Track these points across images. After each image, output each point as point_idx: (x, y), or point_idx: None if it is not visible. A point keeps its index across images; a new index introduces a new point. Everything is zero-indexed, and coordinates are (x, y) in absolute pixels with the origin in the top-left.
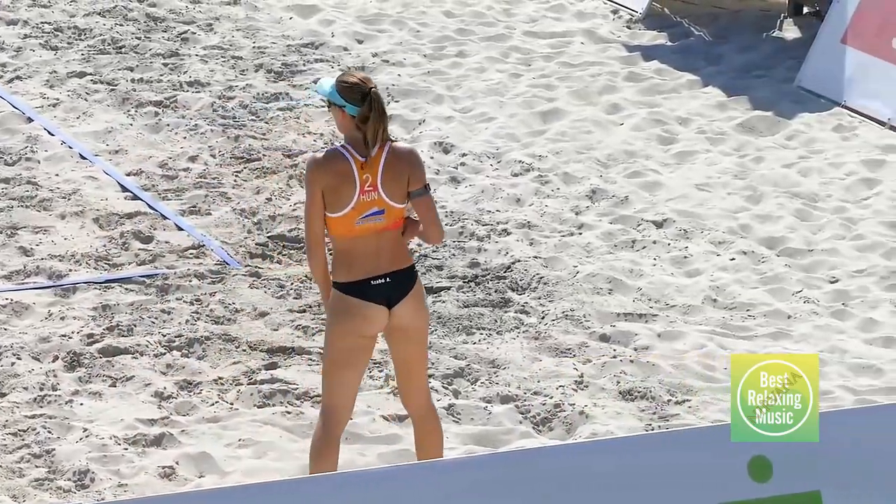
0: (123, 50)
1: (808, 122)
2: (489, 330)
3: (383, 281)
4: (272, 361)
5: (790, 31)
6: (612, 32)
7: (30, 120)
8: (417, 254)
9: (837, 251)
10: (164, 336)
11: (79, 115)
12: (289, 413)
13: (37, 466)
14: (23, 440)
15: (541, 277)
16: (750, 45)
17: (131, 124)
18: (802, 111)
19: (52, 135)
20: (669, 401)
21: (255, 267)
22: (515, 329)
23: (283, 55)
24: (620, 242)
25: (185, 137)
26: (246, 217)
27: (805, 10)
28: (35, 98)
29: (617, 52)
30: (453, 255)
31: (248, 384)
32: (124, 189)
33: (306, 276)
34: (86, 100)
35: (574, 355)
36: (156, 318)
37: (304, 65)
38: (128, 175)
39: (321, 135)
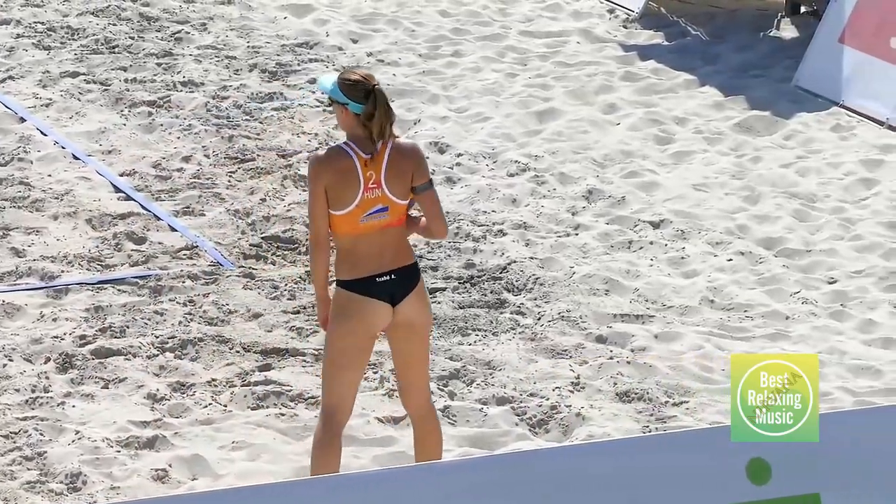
0: (117, 50)
1: (806, 122)
2: (485, 331)
3: (388, 278)
4: (266, 363)
5: (787, 31)
6: (609, 32)
7: (22, 120)
8: None
9: (836, 252)
10: (157, 337)
11: (72, 116)
12: (283, 415)
13: (28, 469)
14: (14, 442)
15: (537, 278)
16: (747, 44)
17: (124, 124)
18: (800, 111)
19: (45, 135)
20: (667, 402)
21: (249, 268)
22: (511, 330)
23: (278, 55)
24: (617, 243)
25: (178, 137)
26: (240, 218)
27: (802, 9)
28: (28, 98)
29: (613, 52)
30: (449, 255)
31: (241, 386)
32: (117, 190)
33: (300, 278)
34: (79, 100)
35: (570, 357)
36: (149, 320)
37: (298, 64)
38: (121, 175)
39: (315, 135)
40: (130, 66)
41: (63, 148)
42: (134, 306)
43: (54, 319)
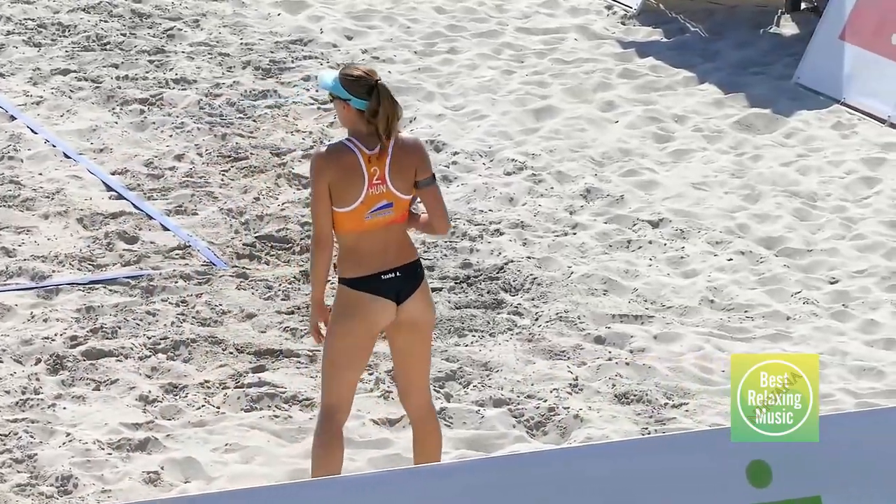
0: (108, 46)
1: (807, 120)
2: (482, 332)
3: (393, 275)
4: (259, 364)
5: (788, 27)
6: (607, 28)
7: (12, 118)
8: None
9: (837, 251)
10: (150, 338)
11: (63, 113)
12: (276, 417)
13: (18, 472)
14: (4, 445)
15: (534, 278)
16: (747, 41)
17: (116, 122)
18: (801, 108)
19: (36, 133)
20: (666, 404)
21: (243, 268)
22: (508, 331)
23: (271, 52)
24: (615, 242)
25: (171, 136)
26: (233, 217)
27: (803, 5)
28: (18, 96)
29: (611, 49)
30: (445, 255)
31: (234, 387)
32: (109, 188)
33: (294, 278)
34: (70, 97)
35: (568, 358)
36: (141, 320)
37: (292, 62)
38: (112, 174)
39: (310, 133)
40: (122, 63)
41: (54, 146)
42: (126, 307)
43: (45, 320)
